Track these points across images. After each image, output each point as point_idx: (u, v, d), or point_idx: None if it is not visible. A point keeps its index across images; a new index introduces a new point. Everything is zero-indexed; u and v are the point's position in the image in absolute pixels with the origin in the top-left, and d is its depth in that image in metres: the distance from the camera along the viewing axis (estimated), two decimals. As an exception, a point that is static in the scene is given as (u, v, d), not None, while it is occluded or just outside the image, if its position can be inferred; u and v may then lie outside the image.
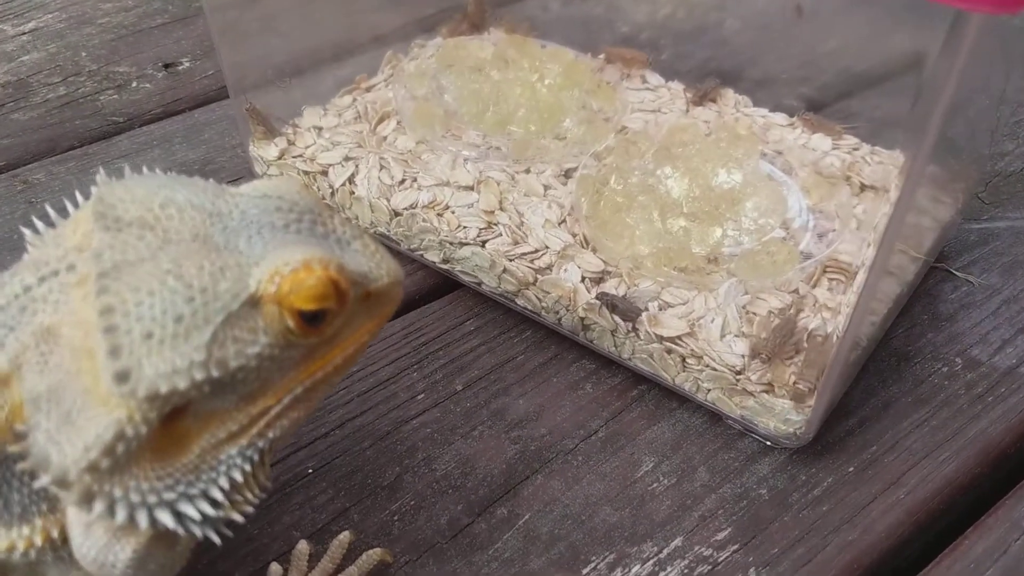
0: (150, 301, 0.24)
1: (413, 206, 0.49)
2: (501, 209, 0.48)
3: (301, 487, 0.40)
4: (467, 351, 0.46)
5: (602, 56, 0.59)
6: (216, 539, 0.27)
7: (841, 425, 0.42)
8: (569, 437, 0.42)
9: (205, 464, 0.26)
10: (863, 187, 0.50)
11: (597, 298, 0.43)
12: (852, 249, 0.45)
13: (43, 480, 0.24)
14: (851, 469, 0.41)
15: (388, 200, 0.49)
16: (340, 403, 0.43)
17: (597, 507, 0.39)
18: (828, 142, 0.52)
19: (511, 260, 0.46)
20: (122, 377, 0.24)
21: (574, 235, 0.46)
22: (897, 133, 0.54)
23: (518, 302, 0.46)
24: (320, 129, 0.54)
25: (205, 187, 0.28)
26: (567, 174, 0.50)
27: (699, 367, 0.41)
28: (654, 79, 0.58)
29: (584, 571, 0.37)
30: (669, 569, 0.37)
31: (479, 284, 0.47)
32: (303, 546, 0.36)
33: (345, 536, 0.36)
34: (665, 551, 0.38)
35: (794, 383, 0.39)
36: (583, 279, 0.44)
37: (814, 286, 0.44)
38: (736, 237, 0.45)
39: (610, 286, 0.44)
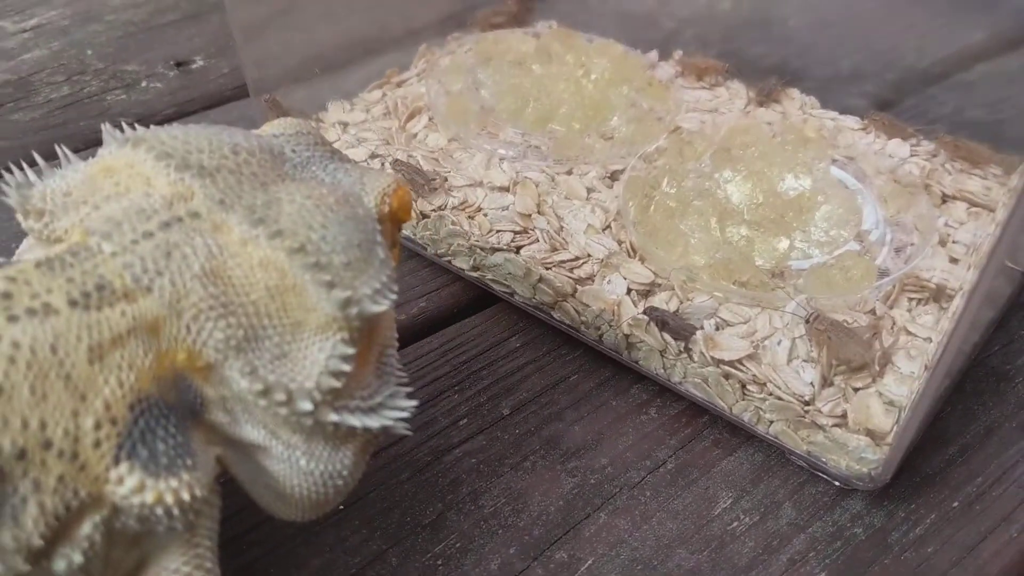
0: (330, 234, 0.25)
1: (442, 208, 0.44)
2: (539, 212, 0.43)
3: (331, 526, 0.34)
4: (513, 371, 0.41)
5: (659, 56, 0.54)
6: (408, 431, 0.28)
7: (940, 454, 0.37)
8: (633, 469, 0.37)
9: (381, 368, 0.28)
10: (944, 197, 0.44)
11: (645, 313, 0.38)
12: (933, 265, 0.40)
13: (304, 406, 0.25)
14: (955, 504, 0.35)
15: (415, 201, 0.45)
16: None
17: (671, 550, 0.34)
18: (906, 148, 0.47)
19: (548, 268, 0.41)
20: (347, 303, 0.25)
21: (620, 242, 0.41)
22: (975, 134, 0.49)
23: (555, 315, 0.41)
24: (346, 124, 0.50)
25: (242, 132, 0.28)
26: (613, 176, 0.45)
27: (761, 395, 0.36)
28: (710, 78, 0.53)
29: (661, 625, 0.32)
30: (760, 623, 0.32)
31: (512, 295, 0.43)
32: None
33: None
34: (753, 600, 0.32)
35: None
36: (629, 291, 0.39)
37: (891, 306, 0.39)
38: (805, 249, 0.40)
39: (660, 300, 0.39)
